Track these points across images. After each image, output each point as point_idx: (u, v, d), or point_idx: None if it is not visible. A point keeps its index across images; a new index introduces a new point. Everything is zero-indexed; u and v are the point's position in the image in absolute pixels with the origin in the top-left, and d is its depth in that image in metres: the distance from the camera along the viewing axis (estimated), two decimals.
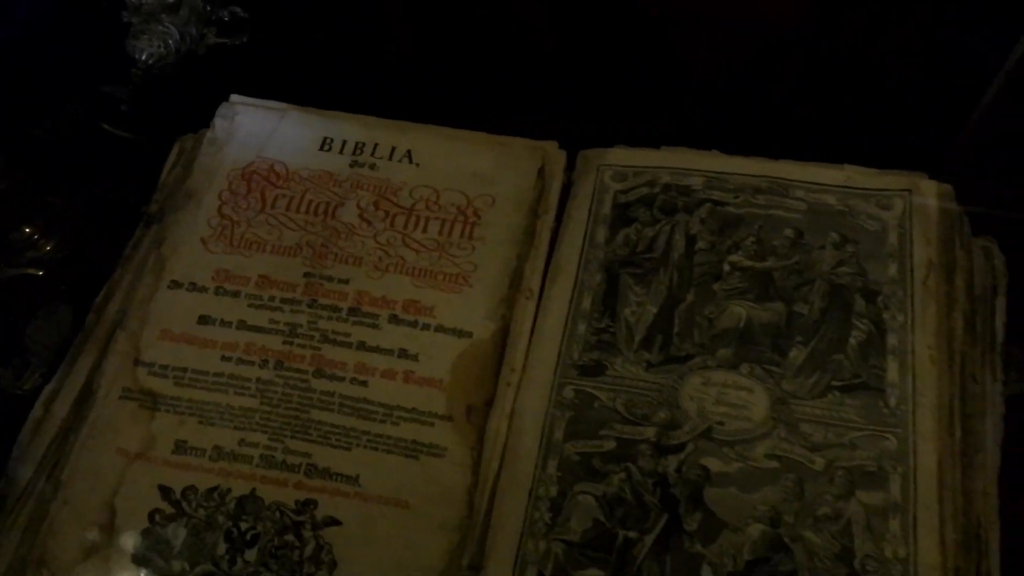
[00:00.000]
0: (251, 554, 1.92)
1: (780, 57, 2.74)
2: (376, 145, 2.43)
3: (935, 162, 2.48)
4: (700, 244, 2.28)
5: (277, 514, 1.95)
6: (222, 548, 1.94)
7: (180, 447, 1.97)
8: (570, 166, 2.48)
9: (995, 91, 2.52)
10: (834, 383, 2.03)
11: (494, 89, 2.80)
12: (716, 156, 2.44)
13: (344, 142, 2.44)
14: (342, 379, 2.05)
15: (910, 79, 2.69)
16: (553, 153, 2.43)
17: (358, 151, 2.42)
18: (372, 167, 2.38)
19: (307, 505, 1.96)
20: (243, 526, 1.96)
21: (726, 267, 2.23)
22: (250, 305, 2.16)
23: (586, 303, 2.20)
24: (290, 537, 1.91)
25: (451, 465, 1.97)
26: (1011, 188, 2.46)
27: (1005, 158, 2.67)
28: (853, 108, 2.73)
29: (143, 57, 2.88)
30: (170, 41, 2.93)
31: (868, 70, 2.71)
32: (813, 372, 2.07)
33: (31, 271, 2.66)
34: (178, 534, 1.91)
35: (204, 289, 2.16)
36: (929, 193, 2.29)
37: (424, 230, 2.26)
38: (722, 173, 2.39)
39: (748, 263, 2.24)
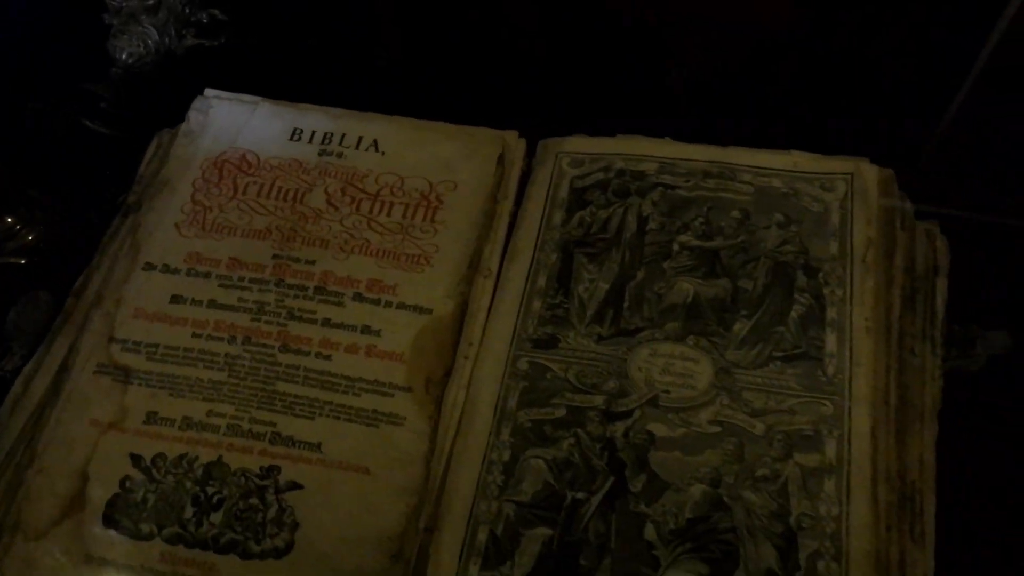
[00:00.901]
0: (216, 516, 2.01)
1: (772, 59, 2.86)
2: (344, 135, 2.53)
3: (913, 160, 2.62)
4: (651, 225, 2.38)
5: (242, 479, 2.04)
6: (189, 511, 2.02)
7: (151, 418, 2.06)
8: (532, 154, 2.58)
9: (964, 94, 2.65)
10: (775, 353, 2.13)
11: (477, 88, 2.92)
12: (669, 143, 2.54)
13: (313, 132, 2.55)
14: (307, 353, 2.15)
15: (894, 80, 2.81)
16: (513, 142, 2.54)
17: (326, 141, 2.53)
18: (340, 156, 2.49)
19: (271, 471, 2.05)
20: (210, 491, 2.05)
21: (675, 246, 2.33)
22: (220, 285, 2.26)
23: (541, 281, 2.30)
24: (254, 500, 2.00)
25: (409, 433, 2.06)
26: (970, 190, 2.59)
27: (973, 160, 2.79)
28: (846, 108, 2.85)
29: (123, 57, 3.00)
30: (149, 42, 3.04)
31: (856, 73, 2.83)
32: (756, 343, 2.17)
33: (13, 260, 2.76)
34: (147, 499, 1.98)
35: (176, 271, 2.26)
36: (870, 177, 2.40)
37: (388, 214, 2.37)
38: (674, 159, 2.49)
39: (696, 242, 2.34)
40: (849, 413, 2.06)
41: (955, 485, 2.17)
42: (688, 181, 2.44)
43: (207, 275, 2.34)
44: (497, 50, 3.14)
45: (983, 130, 2.78)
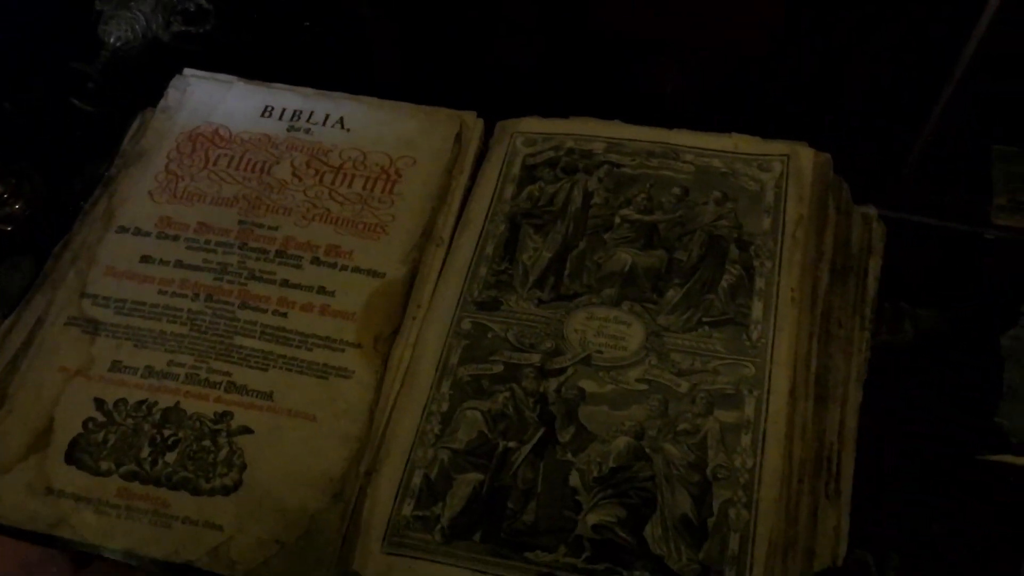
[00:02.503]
0: (171, 456, 2.15)
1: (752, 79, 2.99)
2: (312, 113, 2.69)
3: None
4: (596, 199, 2.52)
5: (197, 423, 2.18)
6: (146, 451, 2.17)
7: (115, 366, 2.20)
8: (489, 135, 2.73)
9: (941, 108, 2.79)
10: (704, 319, 2.26)
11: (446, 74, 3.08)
12: (618, 125, 2.68)
13: (284, 110, 2.70)
14: (264, 311, 2.29)
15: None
16: (471, 121, 2.69)
17: (295, 118, 2.68)
18: (307, 131, 2.64)
19: (224, 416, 2.19)
20: (166, 433, 2.20)
21: (617, 219, 2.47)
22: (188, 247, 2.41)
23: (489, 249, 2.44)
24: (207, 443, 2.14)
25: (357, 385, 2.20)
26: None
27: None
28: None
29: (112, 40, 3.17)
30: (137, 27, 3.22)
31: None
32: (687, 310, 2.30)
33: (0, 227, 2.93)
34: (107, 439, 2.13)
35: (147, 233, 2.41)
36: (807, 158, 2.53)
37: (349, 186, 2.52)
38: (622, 139, 2.64)
39: (637, 216, 2.48)
40: (769, 375, 2.18)
41: (877, 450, 2.29)
42: (634, 160, 2.58)
43: (176, 238, 2.49)
44: (486, 45, 3.29)
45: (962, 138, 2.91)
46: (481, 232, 2.51)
